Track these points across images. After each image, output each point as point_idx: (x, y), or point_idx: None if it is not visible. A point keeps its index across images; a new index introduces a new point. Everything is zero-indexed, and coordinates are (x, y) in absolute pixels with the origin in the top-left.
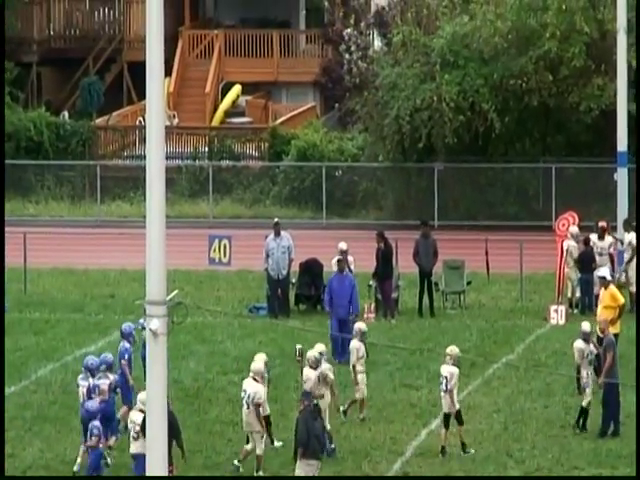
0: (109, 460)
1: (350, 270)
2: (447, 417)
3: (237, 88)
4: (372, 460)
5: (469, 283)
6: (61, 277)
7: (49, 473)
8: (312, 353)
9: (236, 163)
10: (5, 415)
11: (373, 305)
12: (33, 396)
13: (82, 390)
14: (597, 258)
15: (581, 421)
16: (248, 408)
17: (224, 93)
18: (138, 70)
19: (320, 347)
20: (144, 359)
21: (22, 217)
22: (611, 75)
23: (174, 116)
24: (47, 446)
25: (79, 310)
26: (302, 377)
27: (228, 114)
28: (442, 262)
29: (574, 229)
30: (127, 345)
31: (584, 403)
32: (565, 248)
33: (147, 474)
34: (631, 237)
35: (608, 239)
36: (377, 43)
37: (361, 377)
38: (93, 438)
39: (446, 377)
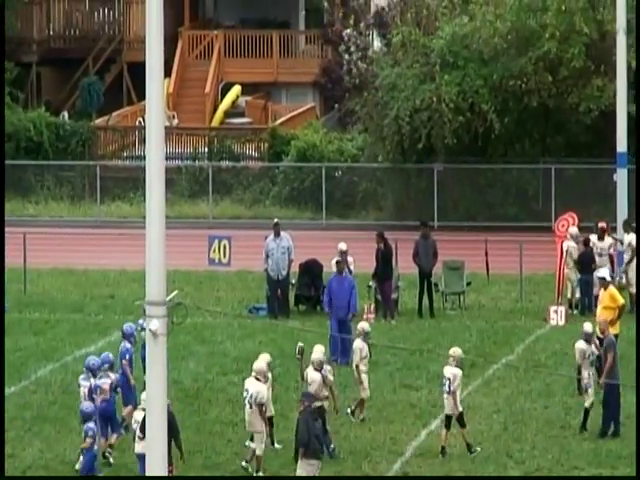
0: (111, 460)
1: (350, 271)
2: (449, 418)
3: (237, 88)
4: (372, 460)
5: (469, 284)
6: (61, 277)
7: (49, 473)
8: (317, 355)
9: (236, 164)
10: (5, 415)
11: (373, 306)
12: (33, 396)
13: (83, 390)
14: (597, 259)
15: (582, 421)
16: (251, 408)
17: (224, 93)
18: (138, 70)
19: (319, 348)
20: (144, 360)
21: (22, 217)
22: (611, 76)
23: (174, 116)
24: (47, 446)
25: (79, 310)
26: (301, 376)
27: (228, 114)
28: (442, 263)
29: (574, 230)
30: (128, 345)
31: (587, 404)
32: (565, 249)
33: (147, 474)
34: (631, 238)
35: (608, 240)
36: (377, 44)
37: (365, 377)
38: (87, 440)
39: (449, 379)
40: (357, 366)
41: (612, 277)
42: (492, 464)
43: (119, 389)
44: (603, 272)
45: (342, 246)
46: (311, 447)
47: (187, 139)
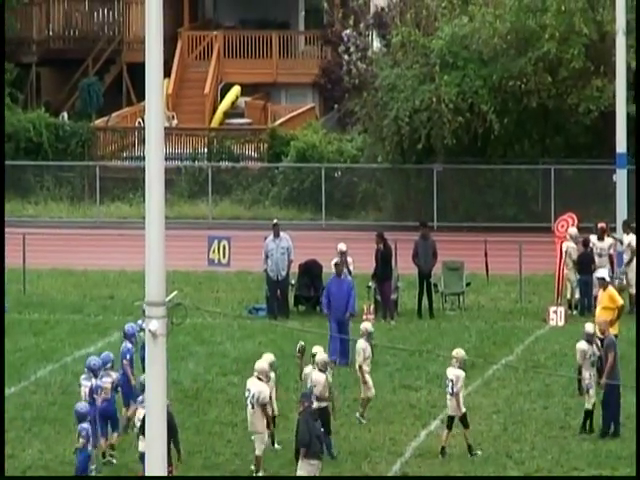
0: (114, 460)
1: (349, 271)
2: (451, 419)
3: (236, 89)
4: (371, 461)
5: (468, 284)
6: (60, 278)
7: (48, 473)
8: (321, 356)
9: (235, 164)
10: (5, 416)
11: (372, 306)
12: (33, 397)
13: (84, 390)
14: (597, 259)
15: (582, 422)
16: (253, 408)
17: (223, 94)
18: (137, 71)
19: (319, 349)
20: (144, 360)
21: (21, 218)
22: (610, 76)
23: (173, 117)
24: (46, 447)
25: (78, 311)
26: (301, 375)
27: (227, 115)
28: (441, 263)
29: (573, 230)
30: (129, 345)
31: (589, 405)
32: (564, 249)
33: (146, 474)
34: (630, 239)
35: (608, 240)
36: (376, 44)
37: (369, 377)
38: (81, 440)
39: (452, 380)
40: (360, 366)
41: (611, 277)
42: (492, 465)
43: (119, 388)
44: (602, 272)
45: (342, 247)
46: (312, 447)
47: (187, 140)
